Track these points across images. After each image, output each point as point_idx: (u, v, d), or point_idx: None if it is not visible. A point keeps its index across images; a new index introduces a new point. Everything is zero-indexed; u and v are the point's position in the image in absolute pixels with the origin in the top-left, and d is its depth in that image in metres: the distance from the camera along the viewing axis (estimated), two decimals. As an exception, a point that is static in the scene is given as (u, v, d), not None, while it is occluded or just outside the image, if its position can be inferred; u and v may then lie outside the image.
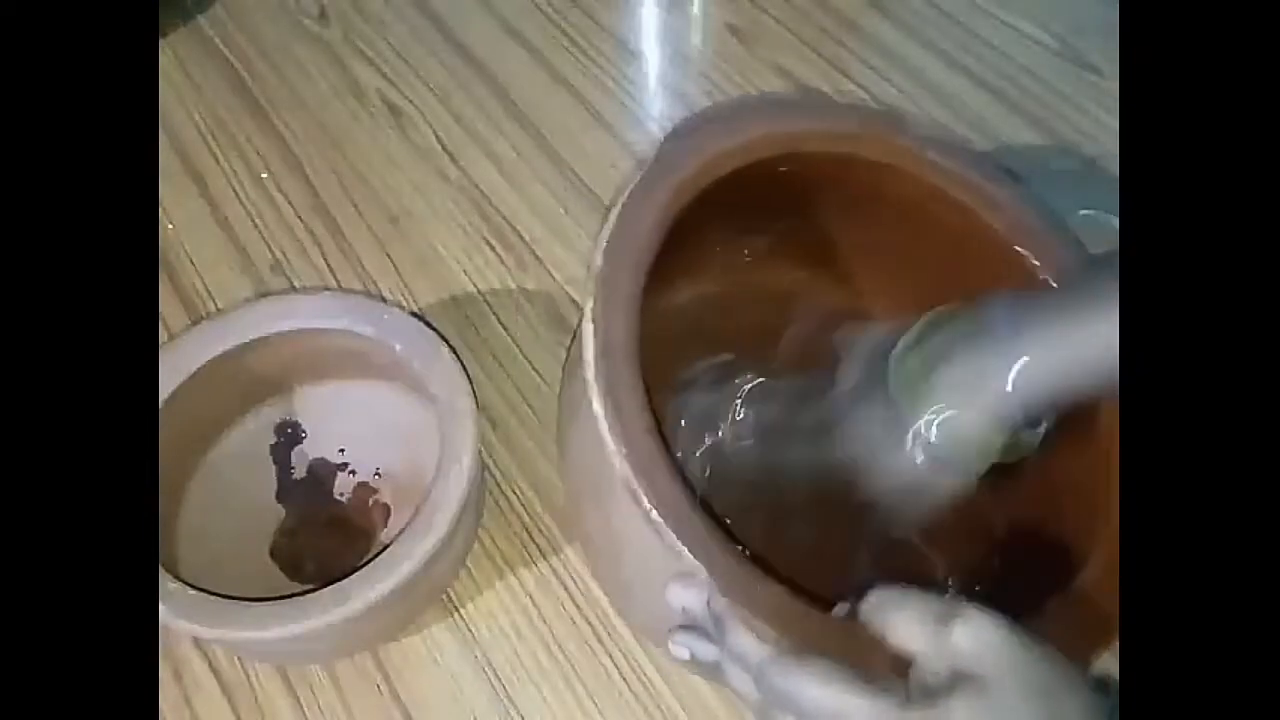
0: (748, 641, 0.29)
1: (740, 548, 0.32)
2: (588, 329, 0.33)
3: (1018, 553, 0.41)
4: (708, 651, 0.31)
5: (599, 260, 0.34)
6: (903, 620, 0.28)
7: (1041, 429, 0.35)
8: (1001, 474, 0.35)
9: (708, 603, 0.30)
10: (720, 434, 0.47)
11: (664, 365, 0.45)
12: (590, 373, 0.32)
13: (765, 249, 0.47)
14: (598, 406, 0.31)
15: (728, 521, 0.41)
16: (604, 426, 0.31)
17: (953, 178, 0.39)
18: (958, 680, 0.26)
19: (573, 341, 0.41)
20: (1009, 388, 0.32)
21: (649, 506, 0.30)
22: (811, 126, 0.39)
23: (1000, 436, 0.34)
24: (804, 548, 0.42)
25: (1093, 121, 0.62)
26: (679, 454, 0.46)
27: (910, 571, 0.43)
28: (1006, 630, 0.27)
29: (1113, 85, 0.64)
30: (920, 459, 0.35)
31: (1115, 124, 0.62)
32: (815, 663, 0.27)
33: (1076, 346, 0.32)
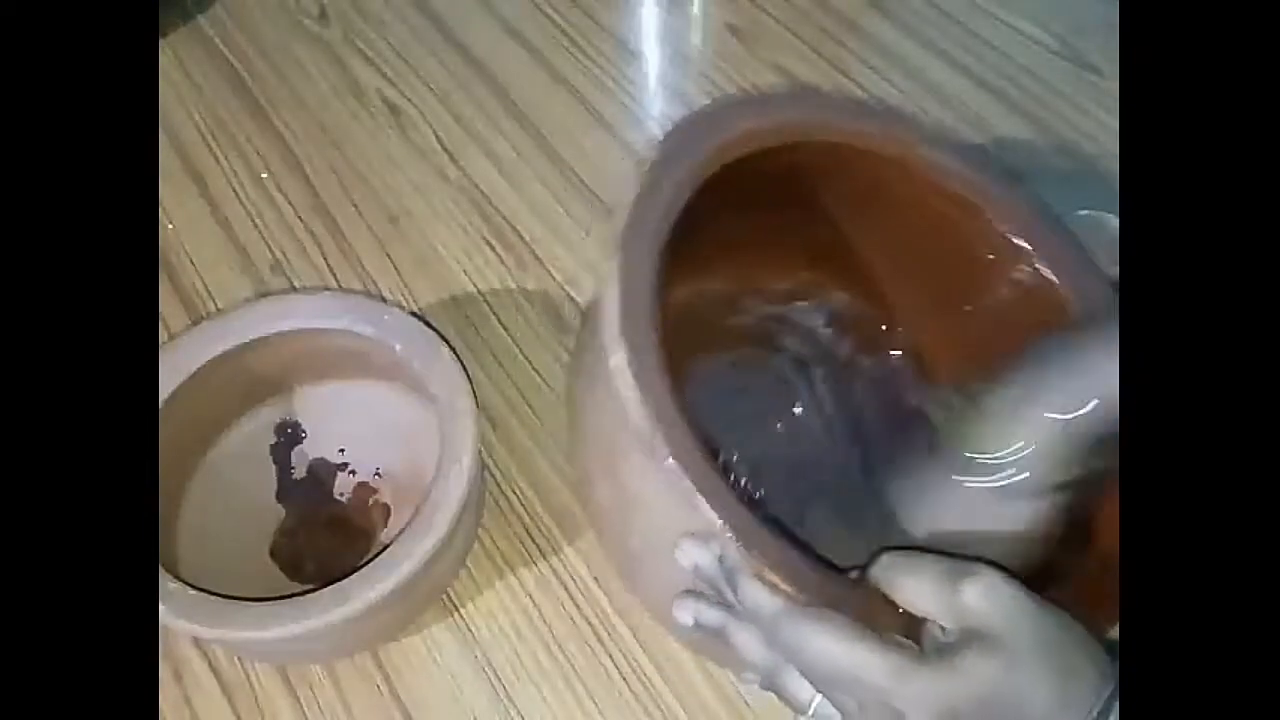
0: (761, 594, 0.29)
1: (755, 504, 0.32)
2: (610, 290, 0.32)
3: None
4: (714, 617, 0.31)
5: (624, 220, 0.34)
6: (913, 580, 0.28)
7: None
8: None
9: (720, 559, 0.30)
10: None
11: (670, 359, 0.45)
12: (612, 329, 0.31)
13: (771, 246, 0.47)
14: (618, 360, 0.31)
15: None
16: (623, 379, 0.31)
17: (957, 176, 0.39)
18: (970, 637, 0.26)
19: (587, 314, 0.41)
20: (1070, 426, 0.32)
21: (667, 455, 0.30)
22: (824, 117, 0.39)
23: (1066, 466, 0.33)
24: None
25: (1093, 121, 0.62)
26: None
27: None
28: (1017, 588, 0.27)
29: (1113, 85, 0.64)
30: (988, 499, 0.34)
31: (1115, 124, 0.61)
32: (829, 616, 0.27)
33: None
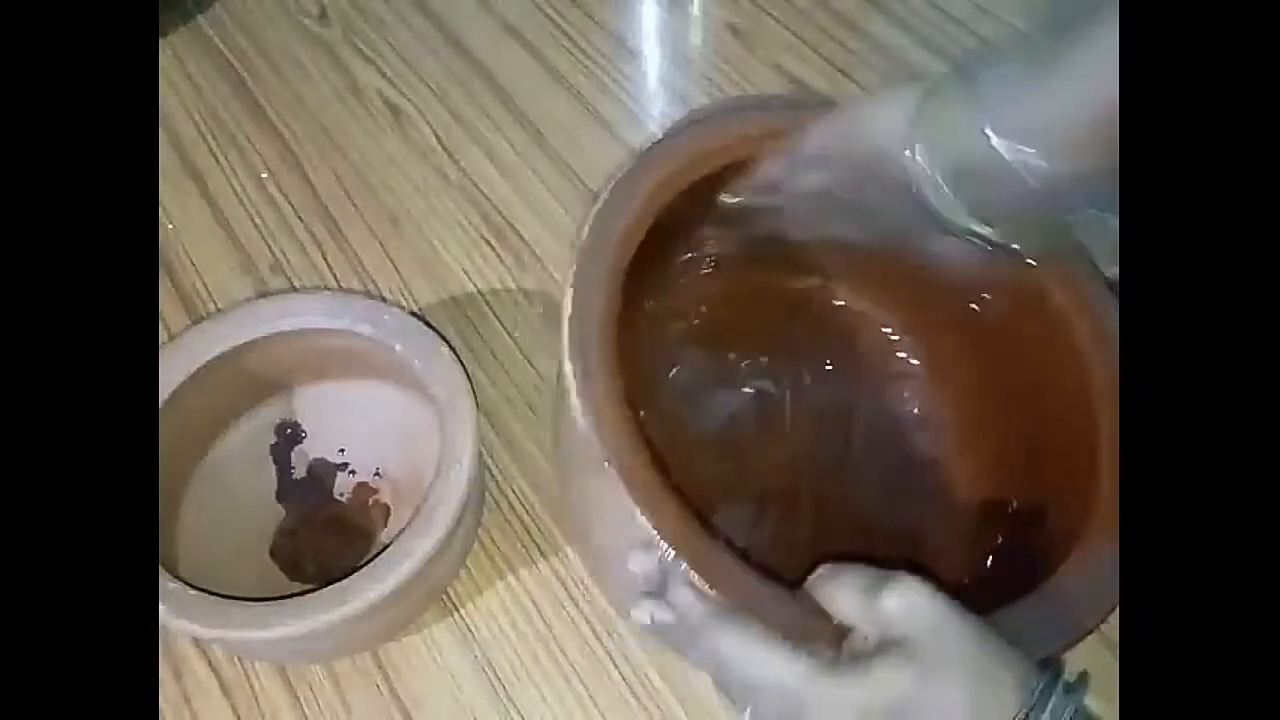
0: (688, 597, 0.30)
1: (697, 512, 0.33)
2: (566, 296, 0.34)
3: (1015, 538, 0.41)
4: (666, 616, 0.32)
5: (585, 233, 0.35)
6: (840, 588, 0.29)
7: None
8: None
9: (659, 566, 0.31)
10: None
11: (660, 366, 0.46)
12: (566, 349, 0.33)
13: (767, 249, 0.47)
14: (566, 367, 0.33)
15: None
16: (573, 396, 0.33)
17: None
18: (886, 645, 0.27)
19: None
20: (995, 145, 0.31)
21: (604, 459, 0.31)
22: (792, 122, 0.39)
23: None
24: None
25: (1093, 121, 0.62)
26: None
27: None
28: (936, 597, 0.27)
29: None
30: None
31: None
32: (748, 623, 0.28)
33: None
